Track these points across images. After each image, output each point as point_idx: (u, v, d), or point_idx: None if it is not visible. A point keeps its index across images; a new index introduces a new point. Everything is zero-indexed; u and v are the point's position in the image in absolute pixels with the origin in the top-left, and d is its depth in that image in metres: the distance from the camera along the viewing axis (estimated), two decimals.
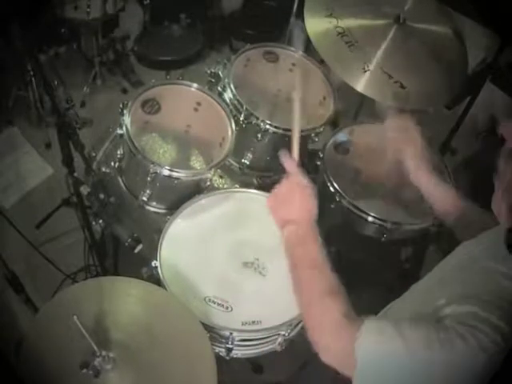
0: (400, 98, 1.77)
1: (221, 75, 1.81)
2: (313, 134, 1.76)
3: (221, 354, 1.34)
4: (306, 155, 1.92)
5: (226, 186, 1.78)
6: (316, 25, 1.82)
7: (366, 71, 1.76)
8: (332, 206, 1.65)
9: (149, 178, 1.52)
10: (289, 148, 1.18)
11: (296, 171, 1.11)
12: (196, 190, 1.59)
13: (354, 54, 1.77)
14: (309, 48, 1.91)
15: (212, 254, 1.43)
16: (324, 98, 1.87)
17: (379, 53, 1.80)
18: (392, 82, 1.76)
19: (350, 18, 1.84)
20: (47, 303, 1.18)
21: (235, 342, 1.31)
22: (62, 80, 2.86)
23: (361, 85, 1.76)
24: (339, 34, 1.80)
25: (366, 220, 1.60)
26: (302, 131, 1.74)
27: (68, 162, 1.54)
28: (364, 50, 1.79)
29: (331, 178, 1.64)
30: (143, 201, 1.62)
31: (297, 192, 1.10)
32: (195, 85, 1.69)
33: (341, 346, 0.90)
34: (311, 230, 1.06)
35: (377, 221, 1.59)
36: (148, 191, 1.59)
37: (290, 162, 1.12)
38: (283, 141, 1.78)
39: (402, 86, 1.76)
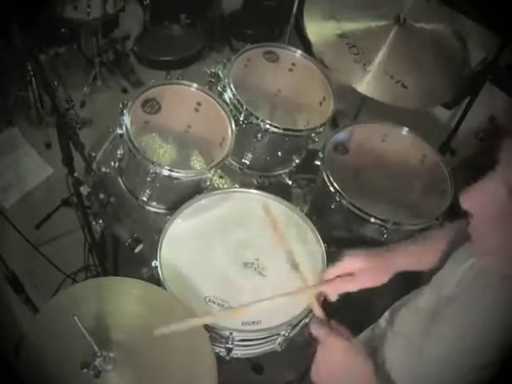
0: (402, 97, 1.77)
1: (221, 75, 1.81)
2: (313, 134, 1.76)
3: (221, 354, 1.34)
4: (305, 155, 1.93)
5: (226, 186, 1.78)
6: (316, 26, 1.82)
7: (367, 72, 1.76)
8: (332, 206, 1.65)
9: (149, 178, 1.52)
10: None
11: (328, 335, 1.01)
12: (196, 190, 1.59)
13: (354, 56, 1.77)
14: (309, 48, 1.92)
15: (212, 254, 1.43)
16: (324, 98, 1.87)
17: (380, 53, 1.80)
18: (393, 82, 1.76)
19: (350, 19, 1.84)
20: (47, 303, 1.18)
21: (235, 342, 1.31)
22: (62, 80, 2.87)
23: (362, 85, 1.76)
24: (339, 35, 1.80)
25: (366, 220, 1.60)
26: (302, 131, 1.78)
27: (68, 162, 1.54)
28: (364, 50, 1.79)
29: (331, 178, 1.64)
30: (143, 201, 1.62)
31: (339, 360, 0.99)
32: (195, 85, 1.69)
33: None
34: None
35: (377, 221, 1.59)
36: (148, 191, 1.59)
37: (317, 327, 1.02)
38: (283, 141, 1.78)
39: (404, 86, 1.76)
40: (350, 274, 1.15)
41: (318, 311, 1.08)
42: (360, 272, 1.15)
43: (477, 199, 0.85)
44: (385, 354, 1.18)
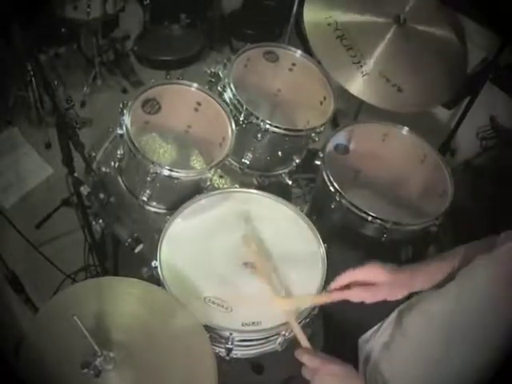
0: (397, 101, 1.78)
1: (221, 75, 1.81)
2: (313, 134, 1.76)
3: (221, 354, 1.34)
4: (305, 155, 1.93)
5: (226, 186, 1.78)
6: (315, 27, 1.82)
7: (364, 75, 1.77)
8: (332, 206, 1.65)
9: (149, 178, 1.52)
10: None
11: (319, 363, 1.04)
12: (196, 189, 1.59)
13: (352, 58, 1.78)
14: (309, 48, 1.92)
15: (212, 254, 1.43)
16: (324, 98, 1.87)
17: (378, 54, 1.81)
18: (390, 85, 1.77)
19: (350, 19, 1.84)
20: (47, 303, 1.18)
21: (235, 343, 1.31)
22: (62, 80, 2.87)
23: (358, 89, 1.77)
24: (338, 37, 1.81)
25: (366, 220, 1.60)
26: (302, 131, 1.78)
27: (68, 162, 1.54)
28: (362, 52, 1.80)
29: (331, 178, 1.64)
30: (143, 201, 1.62)
31: None
32: (195, 85, 1.69)
33: None
34: None
35: (377, 221, 1.59)
36: (148, 191, 1.59)
37: (309, 357, 1.05)
38: (283, 141, 1.78)
39: (400, 90, 1.77)
40: (370, 284, 1.16)
41: (305, 342, 1.11)
42: (380, 284, 1.16)
43: None
44: (391, 354, 1.19)
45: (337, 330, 1.43)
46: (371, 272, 1.16)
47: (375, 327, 1.32)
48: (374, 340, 1.29)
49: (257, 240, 1.47)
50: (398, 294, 1.19)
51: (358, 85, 1.78)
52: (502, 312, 0.92)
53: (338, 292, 1.19)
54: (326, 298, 1.24)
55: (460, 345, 0.97)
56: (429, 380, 1.04)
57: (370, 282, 1.16)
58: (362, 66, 1.78)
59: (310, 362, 1.05)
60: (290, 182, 1.92)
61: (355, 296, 1.17)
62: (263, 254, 1.38)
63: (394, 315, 1.28)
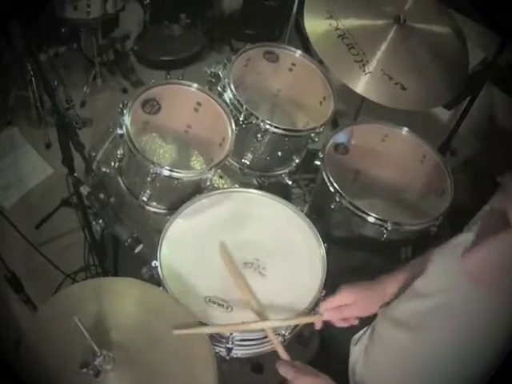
0: (401, 99, 1.77)
1: (221, 75, 1.81)
2: (313, 134, 1.76)
3: (221, 353, 1.34)
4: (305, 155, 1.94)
5: (226, 186, 1.78)
6: (316, 27, 1.82)
7: (366, 73, 1.77)
8: (332, 206, 1.65)
9: (149, 179, 1.52)
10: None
11: (295, 375, 1.05)
12: (196, 190, 1.59)
13: (354, 56, 1.78)
14: (309, 48, 1.92)
15: (212, 254, 1.43)
16: (324, 98, 1.87)
17: (380, 54, 1.81)
18: (393, 83, 1.76)
19: (350, 19, 1.85)
20: (47, 303, 1.18)
21: (235, 342, 1.31)
22: (62, 80, 2.86)
23: (361, 87, 1.77)
24: (339, 36, 1.81)
25: (366, 220, 1.60)
26: (301, 131, 1.78)
27: (68, 162, 1.54)
28: (364, 51, 1.79)
29: (331, 178, 1.64)
30: (143, 201, 1.62)
31: None
32: (195, 85, 1.69)
33: None
34: None
35: (377, 221, 1.59)
36: (148, 191, 1.59)
37: (286, 369, 1.06)
38: (283, 141, 1.78)
39: (403, 88, 1.76)
40: (343, 306, 1.20)
41: (284, 354, 1.14)
42: (351, 304, 1.20)
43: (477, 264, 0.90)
44: (371, 360, 1.19)
45: (332, 331, 1.43)
46: (342, 296, 1.20)
47: (363, 329, 1.33)
48: (359, 346, 1.30)
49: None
50: (371, 309, 1.23)
51: (361, 83, 1.77)
52: (475, 298, 0.92)
53: (312, 315, 1.27)
54: (302, 320, 1.30)
55: (433, 343, 0.98)
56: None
57: (344, 304, 1.21)
58: (364, 65, 1.78)
59: (286, 373, 1.07)
60: (289, 182, 1.93)
61: (327, 318, 1.21)
62: (236, 267, 1.40)
63: (374, 323, 1.29)
